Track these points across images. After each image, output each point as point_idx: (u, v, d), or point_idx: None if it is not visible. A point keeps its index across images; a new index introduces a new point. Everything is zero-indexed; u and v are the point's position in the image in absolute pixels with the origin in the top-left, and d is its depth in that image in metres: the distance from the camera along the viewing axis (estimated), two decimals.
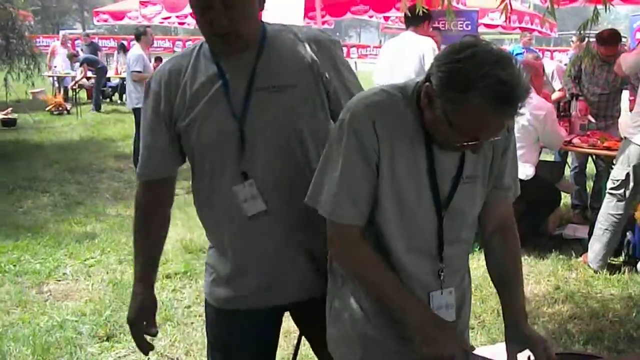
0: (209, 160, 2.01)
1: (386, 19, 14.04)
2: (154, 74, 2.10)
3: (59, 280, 5.05)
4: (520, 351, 1.95)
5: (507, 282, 2.04)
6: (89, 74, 16.20)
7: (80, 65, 16.52)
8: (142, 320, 2.15)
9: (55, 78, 17.57)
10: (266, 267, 2.06)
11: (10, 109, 14.07)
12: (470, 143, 1.73)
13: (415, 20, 5.98)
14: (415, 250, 1.88)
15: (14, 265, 5.33)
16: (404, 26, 6.44)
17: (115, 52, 19.18)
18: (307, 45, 2.05)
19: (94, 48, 18.28)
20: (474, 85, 1.60)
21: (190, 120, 1.98)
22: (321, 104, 2.05)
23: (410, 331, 1.83)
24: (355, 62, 27.46)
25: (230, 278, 2.11)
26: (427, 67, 5.69)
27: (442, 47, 6.82)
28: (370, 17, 13.17)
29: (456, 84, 1.63)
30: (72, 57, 17.44)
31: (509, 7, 3.56)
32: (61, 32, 21.31)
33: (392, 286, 1.84)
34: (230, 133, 1.96)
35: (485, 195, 1.97)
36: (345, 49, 28.01)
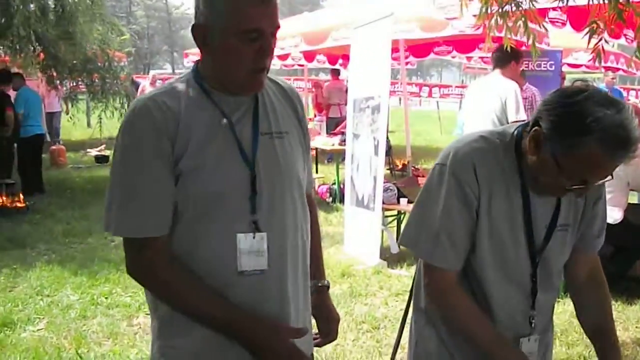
0: (215, 206, 1.76)
1: (469, 59, 14.02)
2: (137, 114, 1.76)
3: (148, 314, 5.16)
4: None
5: (602, 332, 2.05)
6: None
7: None
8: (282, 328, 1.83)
9: None
10: None
11: (104, 145, 14.74)
12: (576, 187, 1.73)
13: (502, 62, 6.00)
14: (511, 297, 1.90)
15: (106, 298, 5.54)
16: (485, 66, 6.47)
17: None
18: (289, 92, 1.99)
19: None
20: (590, 128, 1.60)
21: (197, 164, 1.74)
22: (305, 153, 1.98)
23: None
24: (438, 102, 27.35)
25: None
26: (509, 110, 5.66)
27: (526, 87, 6.85)
28: (453, 57, 13.19)
29: (570, 126, 1.64)
30: None
31: (602, 52, 3.55)
32: (151, 73, 22.14)
33: (489, 334, 1.87)
34: (242, 179, 1.78)
35: (573, 244, 1.98)
36: (427, 89, 28.27)
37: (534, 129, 1.74)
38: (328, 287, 2.18)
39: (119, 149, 1.77)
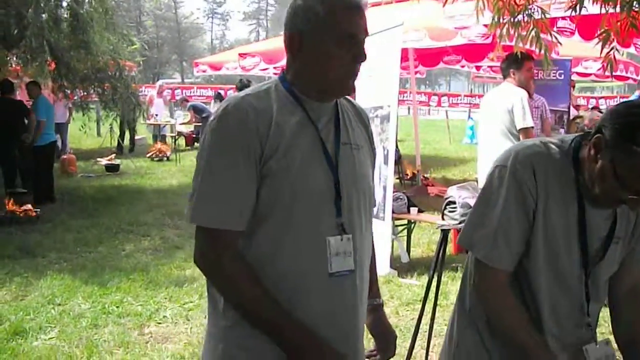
0: (302, 207, 1.80)
1: (477, 68, 14.02)
2: (230, 111, 1.79)
3: (160, 323, 5.21)
4: None
5: (636, 347, 2.04)
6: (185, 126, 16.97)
7: (188, 110, 17.44)
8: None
9: (153, 126, 18.29)
10: (339, 332, 1.87)
11: (114, 154, 14.80)
12: (631, 197, 1.75)
13: (504, 72, 6.03)
14: (560, 304, 1.92)
15: (117, 307, 5.54)
16: (494, 75, 6.46)
17: (212, 100, 19.92)
18: (361, 112, 2.08)
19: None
20: None
21: (286, 164, 1.78)
22: (373, 170, 2.08)
23: None
24: (447, 111, 27.36)
25: None
26: (516, 117, 5.63)
27: (535, 96, 6.83)
28: (462, 66, 13.18)
29: (631, 134, 1.68)
30: (183, 102, 19.68)
31: (613, 60, 3.55)
32: (158, 82, 22.23)
33: (529, 336, 1.88)
34: (327, 183, 1.83)
35: (622, 257, 1.99)
36: (436, 98, 28.30)
37: (596, 135, 1.77)
38: (383, 305, 2.23)
39: (206, 142, 1.80)
